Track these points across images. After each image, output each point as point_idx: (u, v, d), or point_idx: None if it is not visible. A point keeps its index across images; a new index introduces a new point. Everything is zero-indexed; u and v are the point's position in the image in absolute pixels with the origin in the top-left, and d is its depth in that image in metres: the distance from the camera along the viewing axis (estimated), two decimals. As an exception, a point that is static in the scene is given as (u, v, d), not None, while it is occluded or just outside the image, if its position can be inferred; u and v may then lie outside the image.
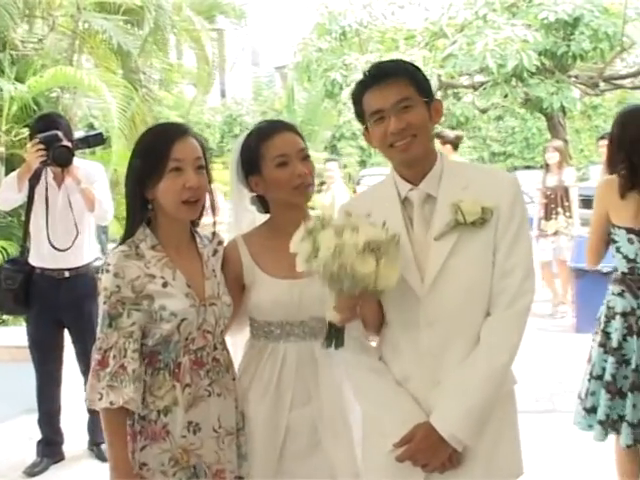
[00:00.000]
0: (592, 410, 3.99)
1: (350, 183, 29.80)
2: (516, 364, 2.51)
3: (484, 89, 12.56)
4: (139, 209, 2.61)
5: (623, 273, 3.88)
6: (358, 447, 2.72)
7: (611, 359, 3.89)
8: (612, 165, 3.93)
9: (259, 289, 2.73)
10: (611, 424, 3.90)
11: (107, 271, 2.52)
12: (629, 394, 3.83)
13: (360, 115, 2.56)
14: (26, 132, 9.18)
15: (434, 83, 11.87)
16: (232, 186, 2.90)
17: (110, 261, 2.53)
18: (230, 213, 3.00)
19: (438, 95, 12.50)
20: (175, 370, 2.58)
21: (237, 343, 2.91)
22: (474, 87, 13.07)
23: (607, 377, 3.91)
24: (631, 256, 3.82)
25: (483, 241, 2.43)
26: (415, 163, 2.49)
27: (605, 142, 5.34)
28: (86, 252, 5.12)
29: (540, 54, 11.70)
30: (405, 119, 2.42)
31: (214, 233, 2.82)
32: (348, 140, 26.52)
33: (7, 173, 8.94)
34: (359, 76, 2.60)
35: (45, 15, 10.41)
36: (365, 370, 2.56)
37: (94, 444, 5.29)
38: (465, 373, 2.42)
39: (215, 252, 2.77)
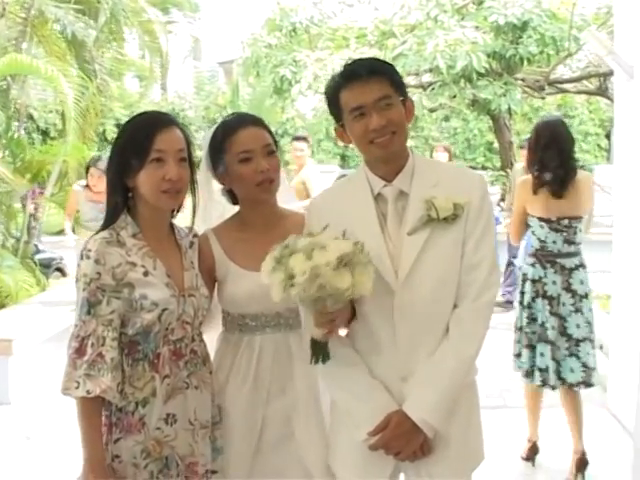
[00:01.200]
0: (518, 355, 5.03)
1: (290, 181, 29.78)
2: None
3: (432, 89, 12.68)
4: (120, 196, 2.61)
5: (536, 249, 4.91)
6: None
7: (525, 314, 4.94)
8: (530, 167, 4.89)
9: (233, 282, 2.74)
10: (525, 367, 4.96)
11: (87, 257, 2.50)
12: (537, 345, 4.88)
13: (335, 111, 2.59)
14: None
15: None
16: (201, 178, 2.86)
17: (91, 247, 2.51)
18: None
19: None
20: (154, 361, 2.57)
21: (208, 337, 2.87)
22: (423, 87, 13.18)
23: (523, 330, 4.96)
24: (542, 238, 4.85)
25: (454, 236, 2.51)
26: (392, 159, 2.55)
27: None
28: None
29: (489, 56, 11.87)
30: (386, 116, 2.48)
31: (190, 228, 2.83)
32: (291, 137, 26.49)
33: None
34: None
35: (-5, 1, 10.20)
36: (338, 361, 2.57)
37: None
38: (435, 363, 2.50)
39: (191, 244, 2.78)
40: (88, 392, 2.44)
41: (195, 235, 2.82)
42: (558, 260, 4.84)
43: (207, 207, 2.90)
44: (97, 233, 2.57)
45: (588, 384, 4.88)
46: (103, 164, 6.68)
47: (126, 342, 2.55)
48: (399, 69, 9.61)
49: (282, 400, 2.76)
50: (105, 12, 10.22)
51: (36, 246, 11.79)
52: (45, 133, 20.26)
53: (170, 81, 31.10)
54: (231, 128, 2.77)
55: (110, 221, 2.60)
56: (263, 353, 2.76)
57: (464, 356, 2.52)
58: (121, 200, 2.61)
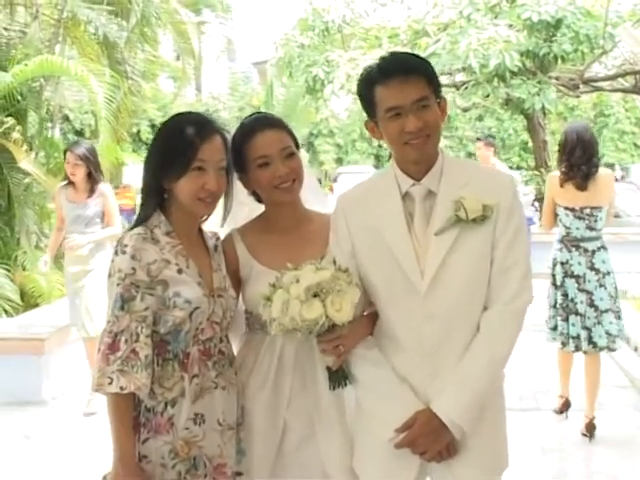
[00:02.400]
0: (553, 328, 5.79)
1: (327, 180, 29.80)
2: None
3: (466, 89, 12.58)
4: (154, 196, 2.60)
5: (562, 236, 5.71)
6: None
7: (558, 292, 5.71)
8: (559, 165, 5.73)
9: (256, 281, 2.71)
10: (562, 338, 5.73)
11: (123, 252, 2.48)
12: (569, 317, 5.65)
13: (368, 105, 2.53)
14: (10, 121, 9.14)
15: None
16: None
17: (127, 242, 2.50)
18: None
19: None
20: (184, 360, 2.55)
21: (232, 338, 2.86)
22: (456, 86, 13.09)
23: (557, 305, 5.71)
24: (567, 225, 5.66)
25: (482, 238, 2.46)
26: (424, 160, 2.51)
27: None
28: None
29: (522, 55, 11.74)
30: (423, 118, 2.41)
31: (214, 232, 2.82)
32: (325, 137, 26.54)
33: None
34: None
35: (28, 3, 10.27)
36: (364, 362, 2.56)
37: None
38: (466, 364, 2.45)
39: (216, 248, 2.77)
40: (122, 388, 2.41)
41: (218, 238, 2.81)
42: (581, 244, 5.64)
43: (233, 209, 2.85)
44: (131, 229, 2.56)
45: (612, 349, 5.74)
46: (80, 149, 6.47)
47: (157, 341, 2.52)
48: None
49: (304, 399, 2.73)
50: (136, 13, 10.23)
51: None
52: (80, 134, 20.48)
53: (205, 82, 31.44)
54: (248, 133, 2.73)
55: (143, 219, 2.59)
56: (284, 353, 2.73)
57: (496, 358, 2.47)
58: (156, 200, 2.61)
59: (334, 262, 2.48)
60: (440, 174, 2.52)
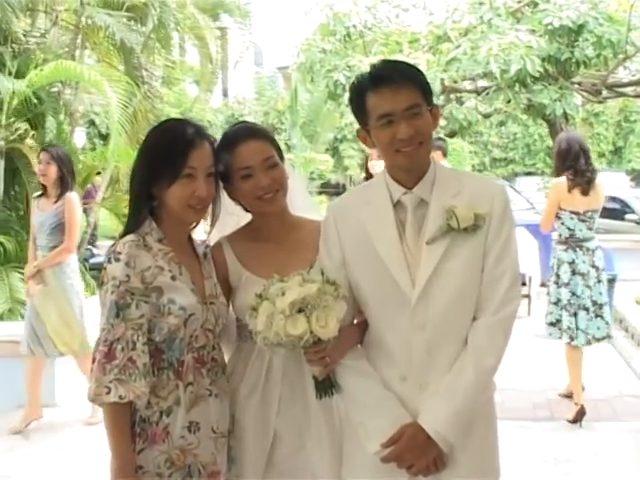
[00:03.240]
0: (553, 324, 6.36)
1: (351, 186, 29.75)
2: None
3: (487, 94, 12.45)
4: (145, 203, 2.61)
5: (566, 237, 6.33)
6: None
7: (564, 290, 6.26)
8: (560, 171, 6.30)
9: (245, 289, 2.70)
10: (570, 333, 6.22)
11: (117, 260, 2.48)
12: (578, 312, 6.22)
13: (360, 113, 2.52)
14: (26, 126, 9.18)
15: (437, 87, 11.79)
16: None
17: (121, 249, 2.49)
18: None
19: (441, 99, 12.42)
20: (179, 369, 2.56)
21: (224, 346, 2.87)
22: (477, 92, 12.96)
23: (564, 302, 6.26)
24: (571, 227, 6.27)
25: (474, 247, 2.47)
26: (415, 168, 2.50)
27: None
28: None
29: (544, 60, 11.57)
30: (414, 126, 2.41)
31: (203, 240, 2.84)
32: (350, 142, 26.37)
33: (7, 167, 8.91)
34: None
35: (48, 9, 10.35)
36: (351, 373, 2.56)
37: None
38: (453, 376, 2.44)
39: (205, 255, 2.77)
40: (121, 397, 2.40)
41: (207, 246, 2.82)
42: (584, 244, 6.25)
43: (222, 218, 2.85)
44: (123, 237, 2.55)
45: (610, 337, 6.50)
46: (55, 150, 6.32)
47: (152, 350, 2.52)
48: (453, 74, 9.62)
49: (293, 411, 2.73)
50: (153, 18, 10.27)
51: (90, 250, 11.90)
52: (106, 138, 20.52)
53: (232, 86, 31.52)
54: (230, 144, 2.72)
55: (134, 226, 2.58)
56: (273, 364, 2.73)
57: (483, 369, 2.46)
58: (146, 207, 2.61)
59: (322, 273, 2.46)
60: (432, 183, 2.51)
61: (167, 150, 2.55)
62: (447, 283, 2.44)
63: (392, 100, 2.41)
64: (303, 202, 2.99)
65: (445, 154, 9.09)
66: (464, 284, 2.46)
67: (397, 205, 2.52)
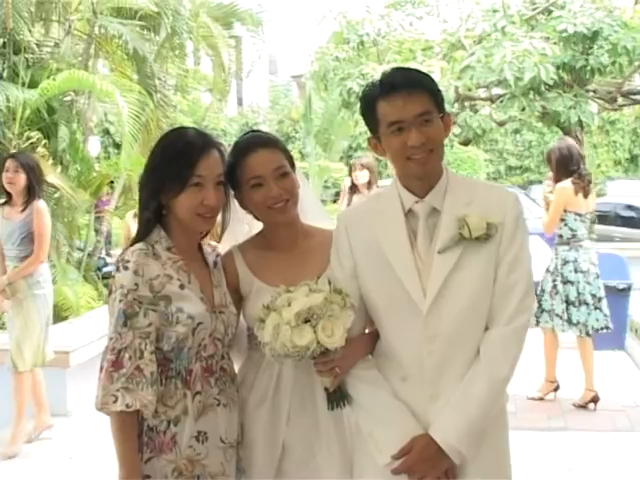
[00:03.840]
0: (547, 311, 6.74)
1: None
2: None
3: (501, 102, 12.42)
4: (153, 213, 2.60)
5: (568, 238, 6.71)
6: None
7: (571, 288, 6.66)
8: (561, 176, 6.65)
9: (256, 298, 2.68)
10: (563, 322, 6.69)
11: (126, 268, 2.48)
12: (580, 307, 6.65)
13: (371, 121, 2.51)
14: (38, 135, 9.22)
15: (451, 95, 11.78)
16: None
17: (129, 258, 2.49)
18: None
19: (455, 107, 12.41)
20: (187, 378, 2.55)
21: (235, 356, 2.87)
22: (491, 100, 12.95)
23: (572, 299, 6.67)
24: (574, 228, 6.68)
25: (486, 256, 2.44)
26: (427, 177, 2.48)
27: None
28: None
29: (558, 68, 11.55)
30: (425, 133, 2.40)
31: (214, 247, 2.83)
32: (364, 151, 26.33)
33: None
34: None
35: (61, 19, 10.41)
36: (362, 384, 2.54)
37: None
38: (465, 386, 2.42)
39: (215, 264, 2.76)
40: (128, 406, 2.40)
41: (218, 254, 2.81)
42: (583, 244, 6.70)
43: (233, 226, 2.85)
44: (132, 245, 2.56)
45: (608, 328, 6.72)
46: (23, 158, 6.15)
47: (160, 359, 2.52)
48: (467, 82, 9.61)
49: (303, 421, 2.71)
50: (166, 27, 10.30)
51: (104, 259, 11.94)
52: (120, 147, 20.63)
53: (246, 95, 31.61)
54: (240, 153, 2.72)
55: (143, 235, 2.59)
56: (283, 373, 2.71)
57: (496, 380, 2.43)
58: (155, 216, 2.61)
59: (329, 283, 2.46)
60: (444, 191, 2.50)
61: (175, 159, 2.55)
62: (459, 293, 2.42)
63: (403, 107, 2.39)
64: (315, 211, 2.99)
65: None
66: (476, 294, 2.44)
67: (409, 214, 2.50)
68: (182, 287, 2.54)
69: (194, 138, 2.62)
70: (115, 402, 2.40)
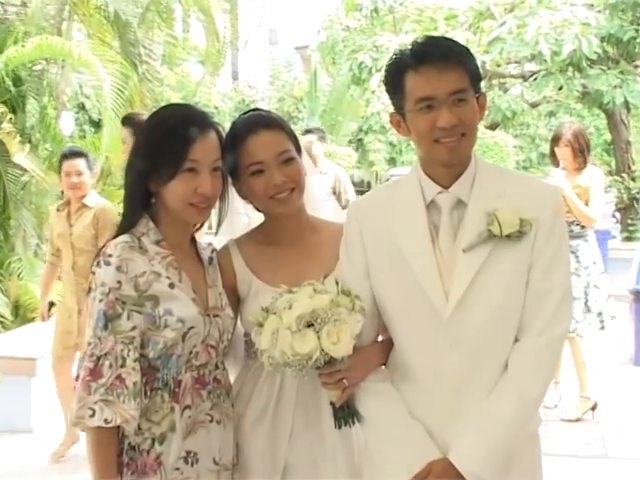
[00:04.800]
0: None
1: (377, 183, 29.71)
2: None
3: (535, 80, 12.41)
4: (140, 201, 2.59)
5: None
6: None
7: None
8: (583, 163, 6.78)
9: (255, 299, 2.68)
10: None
11: (107, 263, 2.46)
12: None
13: (395, 95, 2.46)
14: (2, 109, 9.15)
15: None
16: None
17: (111, 252, 2.47)
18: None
19: (482, 86, 12.38)
20: (175, 389, 2.53)
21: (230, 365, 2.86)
22: (524, 77, 12.96)
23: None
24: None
25: (518, 257, 2.41)
26: (455, 164, 2.45)
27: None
28: None
29: (603, 40, 11.53)
30: (458, 114, 2.37)
31: (209, 242, 2.83)
32: (376, 134, 26.38)
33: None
34: None
35: (28, -26, 10.32)
36: (373, 398, 2.52)
37: None
38: (491, 405, 2.41)
39: (211, 260, 2.75)
40: (106, 421, 2.38)
41: (214, 250, 2.81)
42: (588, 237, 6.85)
43: (231, 218, 2.83)
44: (115, 237, 2.54)
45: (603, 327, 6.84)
46: None
47: (145, 368, 2.50)
48: (496, 56, 9.65)
49: (307, 437, 2.70)
50: (152, -13, 10.26)
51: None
52: (98, 125, 20.57)
53: (243, 68, 31.61)
54: (239, 135, 2.70)
55: (129, 226, 2.57)
56: (285, 385, 2.70)
57: (527, 398, 2.41)
58: (142, 204, 2.60)
59: (337, 283, 2.43)
60: (472, 181, 2.47)
61: (166, 139, 2.52)
62: (486, 297, 2.39)
63: (436, 82, 2.35)
64: (323, 202, 2.99)
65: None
66: (505, 299, 2.41)
67: (430, 206, 2.46)
68: (172, 286, 2.52)
69: (189, 117, 2.60)
70: (92, 416, 2.37)
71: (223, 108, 27.63)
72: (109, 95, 8.60)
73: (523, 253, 2.40)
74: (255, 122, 2.72)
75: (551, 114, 16.48)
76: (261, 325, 2.39)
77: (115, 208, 6.22)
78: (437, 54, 2.37)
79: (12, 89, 9.15)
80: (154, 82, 10.85)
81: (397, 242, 2.46)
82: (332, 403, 2.52)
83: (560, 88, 12.34)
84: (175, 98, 18.54)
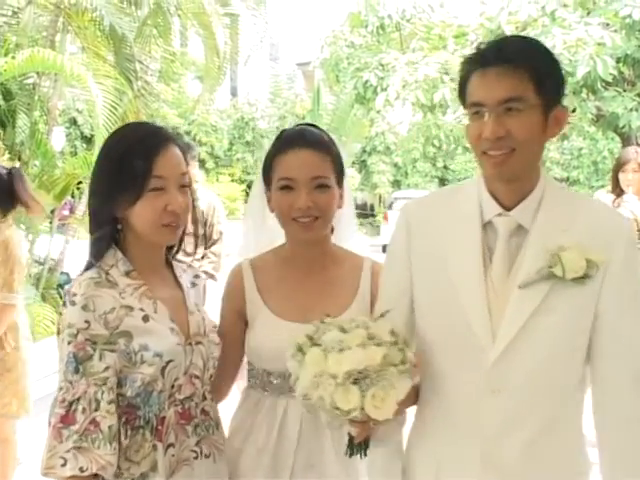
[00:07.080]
0: None
1: (380, 207, 29.66)
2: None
3: (547, 101, 12.38)
4: (106, 229, 2.54)
5: None
6: None
7: None
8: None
9: (261, 330, 2.67)
10: None
11: (72, 303, 2.42)
12: None
13: (462, 97, 2.32)
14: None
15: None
16: (253, 198, 2.86)
17: (76, 290, 2.43)
18: (245, 232, 2.94)
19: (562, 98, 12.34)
20: (158, 427, 2.49)
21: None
22: (535, 98, 12.91)
23: None
24: None
25: (579, 301, 2.25)
26: (513, 179, 2.28)
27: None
28: None
29: (619, 61, 11.50)
30: (506, 125, 2.19)
31: (189, 265, 2.81)
32: (380, 155, 26.50)
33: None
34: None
35: (21, -18, 10.35)
36: (388, 448, 2.48)
37: None
38: None
39: (193, 284, 2.73)
40: (82, 470, 2.32)
41: (197, 276, 2.79)
42: None
43: (256, 234, 2.87)
44: (82, 274, 2.50)
45: None
46: None
47: (123, 406, 2.46)
48: None
49: (309, 478, 2.65)
50: (149, 1, 10.25)
51: (67, 275, 11.85)
52: (89, 141, 20.60)
53: (242, 85, 31.66)
54: (282, 146, 2.70)
55: (95, 259, 2.53)
56: (288, 420, 2.68)
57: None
58: (108, 233, 2.55)
59: (392, 333, 2.26)
60: (538, 206, 2.30)
61: (126, 160, 2.47)
62: (540, 341, 2.24)
63: (485, 86, 2.20)
64: (349, 233, 2.93)
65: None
66: (559, 347, 2.26)
67: (487, 226, 2.31)
68: (146, 319, 2.48)
69: (149, 133, 2.58)
70: (64, 465, 2.32)
71: (221, 126, 27.69)
72: (102, 112, 8.60)
73: (588, 296, 2.25)
74: (301, 137, 2.71)
75: (563, 137, 16.40)
76: (301, 351, 2.26)
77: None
78: (497, 55, 2.22)
79: (2, 103, 9.16)
80: (149, 98, 10.84)
81: (446, 260, 2.32)
82: (349, 434, 2.40)
83: (573, 110, 12.26)
84: (171, 114, 18.57)
